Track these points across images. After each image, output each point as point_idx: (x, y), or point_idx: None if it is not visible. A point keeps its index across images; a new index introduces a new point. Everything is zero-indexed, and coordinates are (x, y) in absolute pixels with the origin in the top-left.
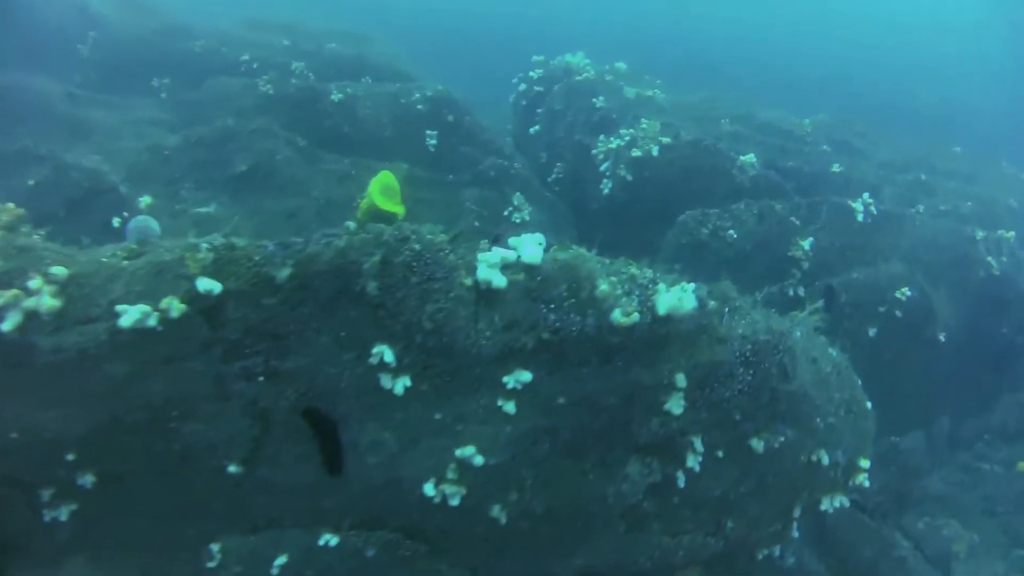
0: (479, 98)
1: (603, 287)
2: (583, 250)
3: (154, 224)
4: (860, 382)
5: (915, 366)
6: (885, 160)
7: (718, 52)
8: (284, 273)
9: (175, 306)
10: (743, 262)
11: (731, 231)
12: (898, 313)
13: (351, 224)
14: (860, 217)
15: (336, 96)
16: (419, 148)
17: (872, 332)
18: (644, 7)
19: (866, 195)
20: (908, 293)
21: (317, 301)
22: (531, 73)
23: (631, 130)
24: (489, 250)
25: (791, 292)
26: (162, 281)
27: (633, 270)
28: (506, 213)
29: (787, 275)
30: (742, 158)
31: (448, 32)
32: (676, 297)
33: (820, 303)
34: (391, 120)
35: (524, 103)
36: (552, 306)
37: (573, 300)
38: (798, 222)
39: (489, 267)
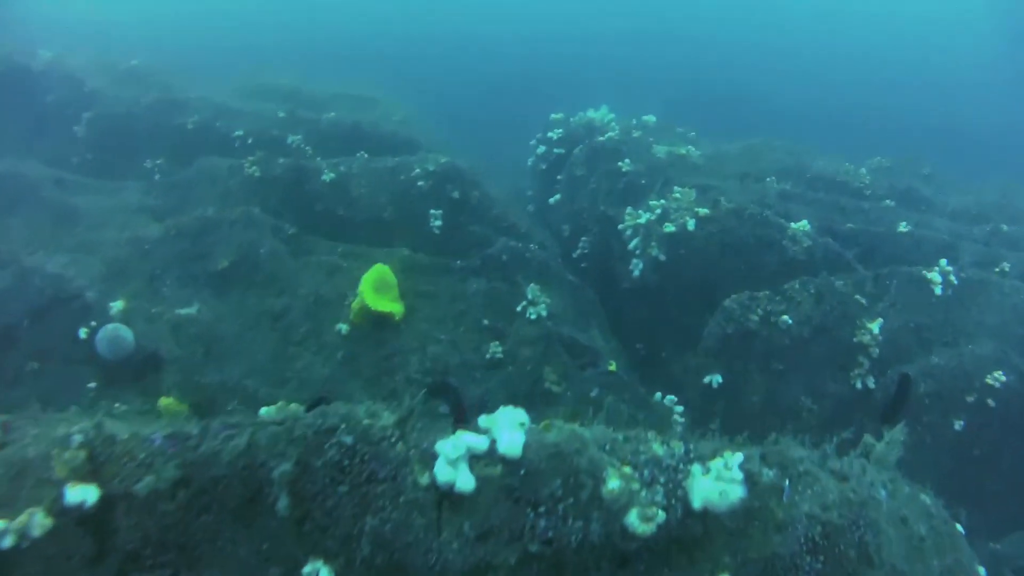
0: (498, 155)
1: (612, 483)
2: (579, 429)
3: (126, 333)
4: (963, 533)
5: (1011, 461)
6: (958, 208)
7: (751, 84)
8: (169, 476)
9: (38, 520)
10: (800, 351)
11: (785, 316)
12: (990, 402)
13: (266, 410)
14: (938, 290)
15: (327, 176)
16: (422, 229)
17: (958, 425)
18: (668, 40)
19: (943, 262)
20: (1002, 378)
21: (224, 509)
22: (550, 133)
23: (662, 201)
24: (452, 434)
25: (859, 384)
26: (23, 486)
27: (656, 448)
28: (519, 308)
29: (853, 364)
30: (794, 226)
31: (463, 80)
32: (716, 489)
33: (900, 428)
34: (390, 199)
35: (543, 167)
36: (542, 509)
37: (571, 500)
38: (864, 300)
39: (451, 463)
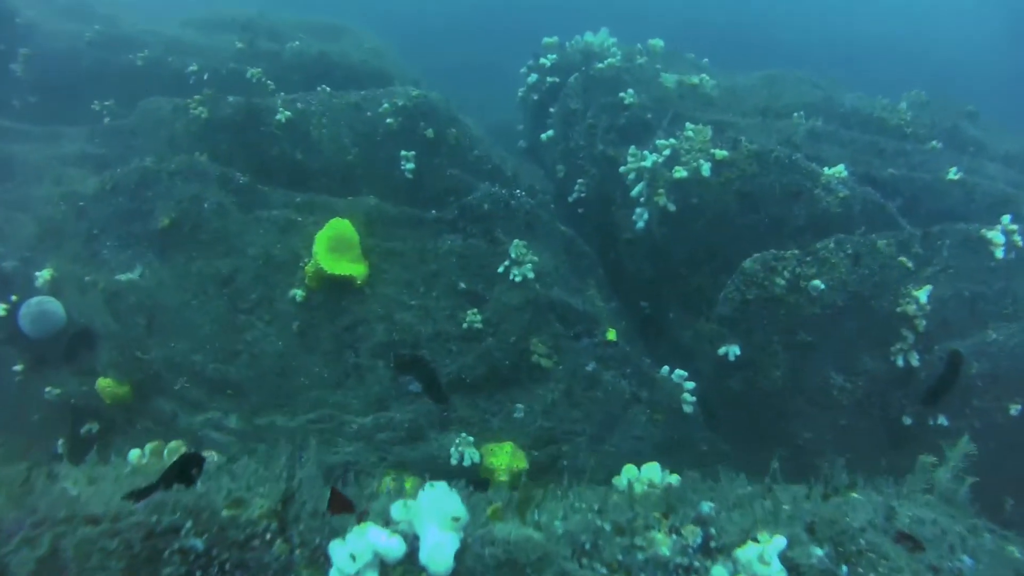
0: (484, 87)
1: None
2: (535, 533)
3: (54, 307)
4: None
5: None
6: (1013, 153)
7: (759, 13)
8: None
9: None
10: (832, 322)
11: (816, 281)
12: None
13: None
14: (999, 252)
15: (282, 115)
16: (392, 175)
17: (1015, 411)
18: None
19: (1006, 219)
20: None
21: None
22: (542, 60)
23: (671, 140)
24: (354, 528)
25: (900, 362)
26: None
27: (659, 540)
28: (500, 270)
29: (895, 338)
30: (827, 171)
31: (443, 13)
32: None
33: (965, 439)
34: (354, 140)
35: (535, 98)
36: None
37: None
38: (910, 263)
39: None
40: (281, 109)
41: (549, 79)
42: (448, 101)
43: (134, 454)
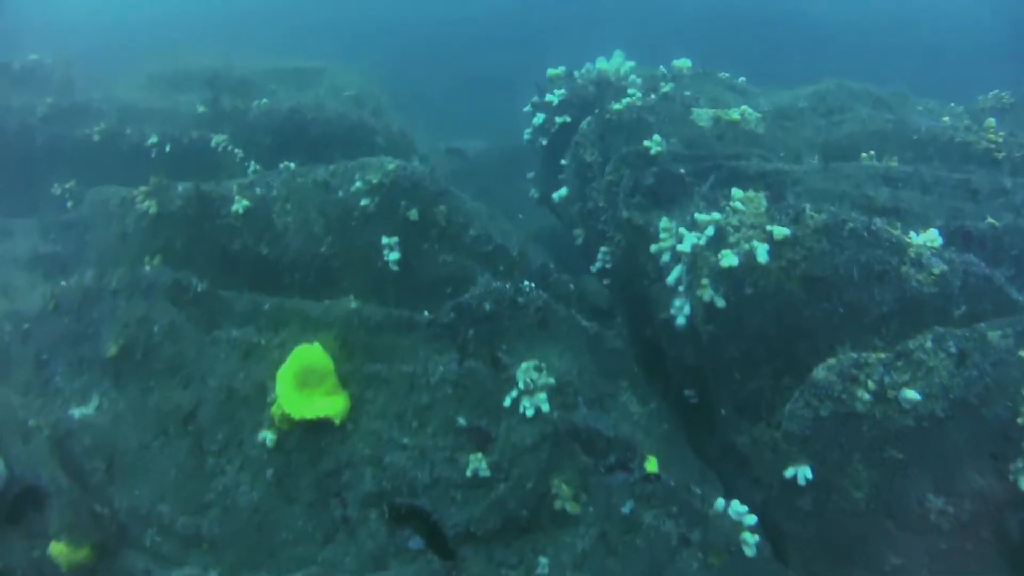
0: (496, 107)
1: None
2: None
3: None
4: None
5: None
6: None
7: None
8: None
9: None
10: (930, 436)
11: (909, 391)
12: None
13: None
14: None
15: (238, 205)
16: (375, 264)
17: None
18: None
19: None
20: None
21: None
22: (548, 97)
23: (715, 214)
24: None
25: (1021, 484)
26: None
27: None
28: (507, 403)
29: (1014, 452)
30: (916, 239)
31: (452, 22)
32: None
33: None
34: (326, 227)
35: (544, 143)
36: None
37: None
38: None
39: None
40: (237, 197)
41: (558, 119)
42: (433, 172)
43: None
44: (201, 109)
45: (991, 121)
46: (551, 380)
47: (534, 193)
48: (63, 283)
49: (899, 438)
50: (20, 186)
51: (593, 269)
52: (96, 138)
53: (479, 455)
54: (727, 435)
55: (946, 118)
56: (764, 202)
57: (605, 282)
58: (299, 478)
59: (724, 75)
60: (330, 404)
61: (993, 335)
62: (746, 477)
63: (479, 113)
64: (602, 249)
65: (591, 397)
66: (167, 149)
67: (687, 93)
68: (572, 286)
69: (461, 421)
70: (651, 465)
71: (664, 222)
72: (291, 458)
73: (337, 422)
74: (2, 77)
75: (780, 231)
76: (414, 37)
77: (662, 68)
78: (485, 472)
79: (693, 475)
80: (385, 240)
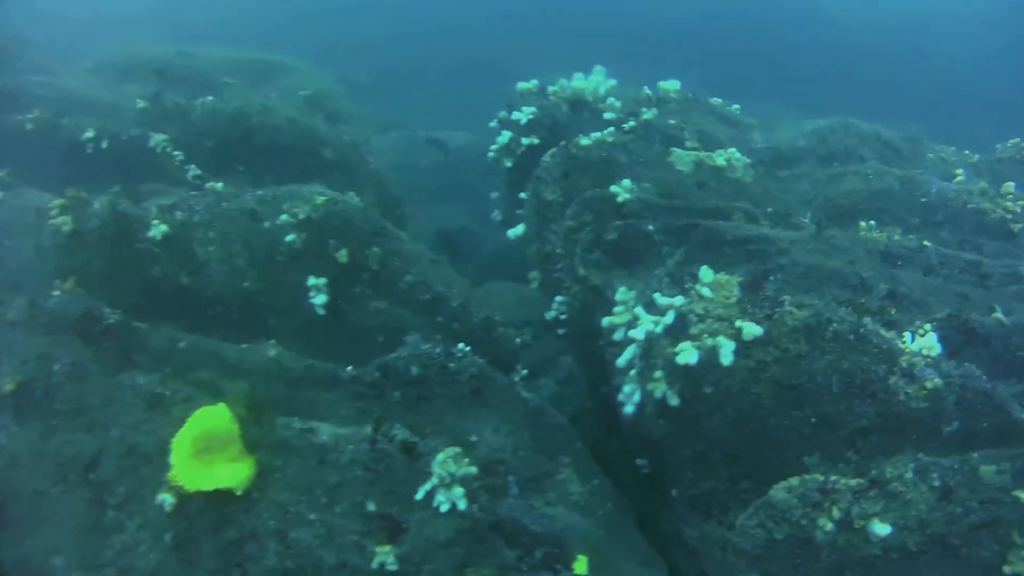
0: (481, 98)
1: None
2: None
3: None
4: None
5: None
6: None
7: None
8: None
9: None
10: (899, 571)
11: (879, 523)
12: None
13: None
14: None
15: (156, 230)
16: (302, 307)
17: None
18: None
19: None
20: None
21: None
22: (516, 114)
23: (678, 298)
24: None
25: None
26: None
27: None
28: (420, 496)
29: None
30: (909, 347)
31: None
32: None
33: None
34: (250, 261)
35: (509, 165)
36: None
37: None
38: None
39: None
40: (155, 222)
41: (524, 140)
42: (368, 210)
43: None
44: (141, 105)
45: (1009, 185)
46: (472, 470)
47: (497, 215)
48: None
49: (863, 566)
50: None
51: (547, 316)
52: (29, 126)
53: (387, 548)
54: (675, 523)
55: (960, 174)
56: (736, 290)
57: (560, 332)
58: (200, 544)
59: (717, 101)
60: (232, 473)
61: (987, 470)
62: (694, 569)
63: (471, 102)
64: (557, 299)
65: (526, 476)
66: (104, 145)
67: (671, 122)
68: (519, 340)
69: (371, 507)
70: (580, 567)
71: (621, 293)
72: (193, 523)
73: (239, 493)
74: None
75: (751, 330)
76: (415, 17)
77: (647, 90)
78: (392, 566)
79: (636, 560)
80: (312, 281)
